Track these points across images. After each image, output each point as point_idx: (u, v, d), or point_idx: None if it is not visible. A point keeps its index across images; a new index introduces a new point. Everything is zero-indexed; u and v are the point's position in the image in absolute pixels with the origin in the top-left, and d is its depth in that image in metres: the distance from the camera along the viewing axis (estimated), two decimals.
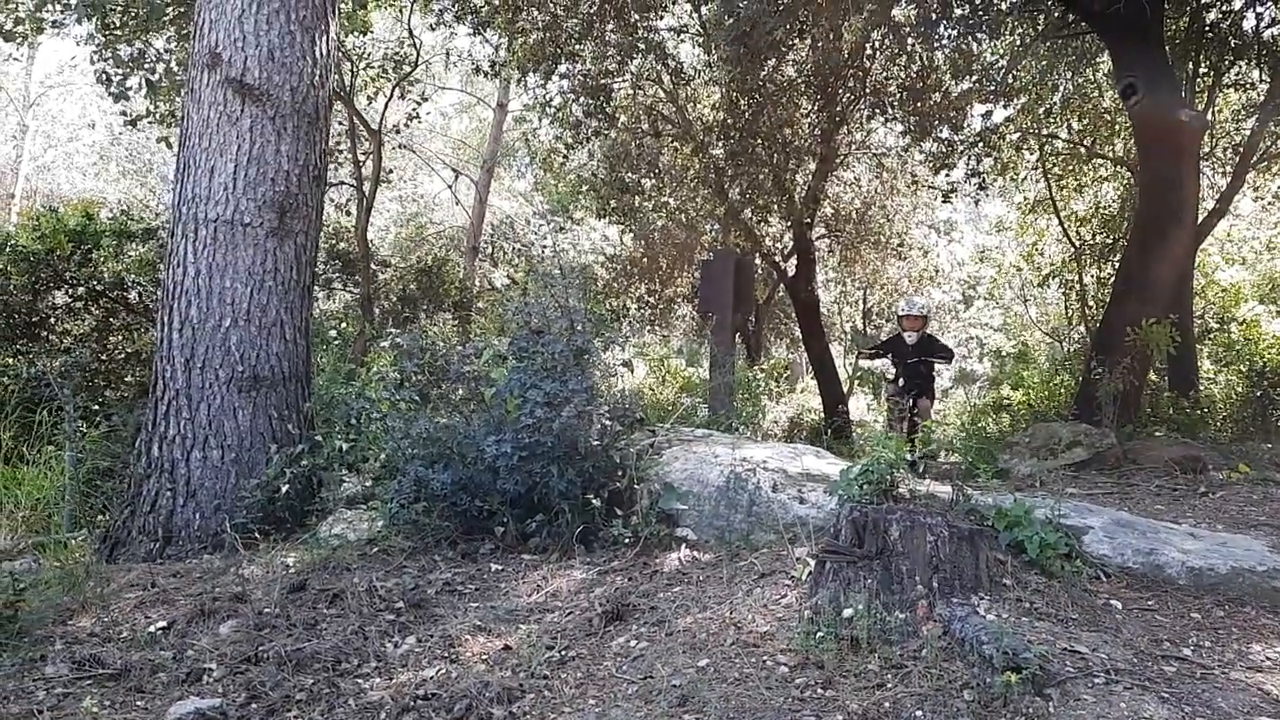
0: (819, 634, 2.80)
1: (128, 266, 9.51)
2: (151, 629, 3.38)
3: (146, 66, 8.87)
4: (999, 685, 2.35)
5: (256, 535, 4.61)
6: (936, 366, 8.04)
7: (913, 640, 2.72)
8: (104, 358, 9.22)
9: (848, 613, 2.83)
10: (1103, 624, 2.88)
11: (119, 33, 8.28)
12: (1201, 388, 10.03)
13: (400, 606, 3.58)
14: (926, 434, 6.33)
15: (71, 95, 21.46)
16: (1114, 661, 2.54)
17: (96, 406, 7.03)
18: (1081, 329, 12.49)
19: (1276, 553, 3.43)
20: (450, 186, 18.81)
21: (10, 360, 8.62)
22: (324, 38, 5.33)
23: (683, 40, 10.66)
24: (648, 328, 15.24)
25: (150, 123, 9.88)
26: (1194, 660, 2.61)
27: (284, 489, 4.67)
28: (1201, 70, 10.05)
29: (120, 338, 9.72)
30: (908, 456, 3.77)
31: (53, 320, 9.28)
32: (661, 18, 9.64)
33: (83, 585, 3.80)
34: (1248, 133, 10.15)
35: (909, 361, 7.79)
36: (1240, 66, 10.04)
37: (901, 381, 7.77)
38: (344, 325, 10.54)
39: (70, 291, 9.23)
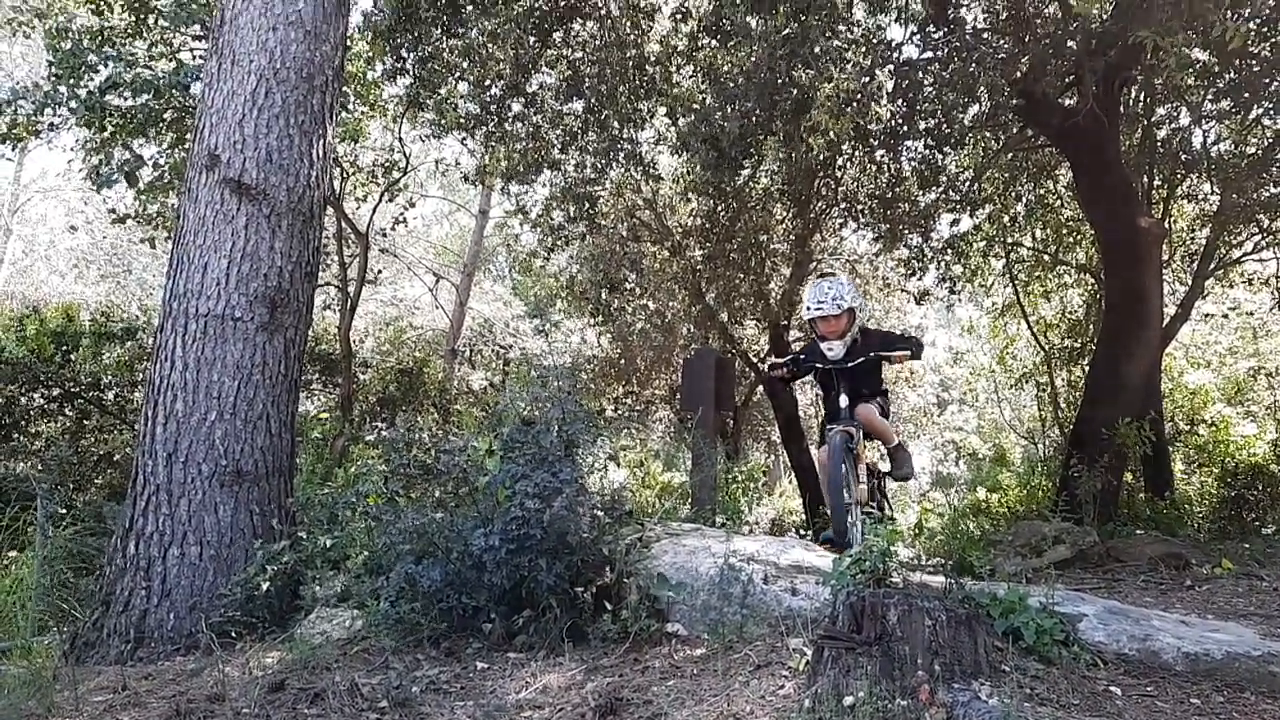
0: None
1: (105, 367, 9.47)
2: None
3: (137, 167, 9.02)
4: None
5: (234, 635, 4.47)
6: (889, 368, 5.36)
7: None
8: (75, 460, 9.07)
9: (849, 700, 2.78)
10: (1104, 709, 2.85)
11: (115, 136, 8.45)
12: (1176, 488, 10.12)
13: (384, 705, 3.47)
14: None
15: (56, 200, 21.69)
16: None
17: (64, 510, 6.85)
18: (1055, 431, 12.64)
19: (1269, 639, 3.43)
20: (432, 290, 19.04)
21: None
22: (321, 141, 5.50)
23: (661, 151, 11.09)
24: (625, 429, 15.25)
25: (137, 222, 10.00)
26: None
27: (265, 586, 4.56)
28: (1156, 183, 10.57)
29: (93, 439, 9.58)
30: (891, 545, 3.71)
31: (24, 422, 9.16)
32: (642, 129, 10.04)
33: (50, 689, 3.65)
34: (1203, 242, 10.59)
35: (849, 368, 5.03)
36: (1191, 180, 10.57)
37: (844, 401, 4.97)
38: (326, 425, 10.48)
39: (45, 393, 9.15)
